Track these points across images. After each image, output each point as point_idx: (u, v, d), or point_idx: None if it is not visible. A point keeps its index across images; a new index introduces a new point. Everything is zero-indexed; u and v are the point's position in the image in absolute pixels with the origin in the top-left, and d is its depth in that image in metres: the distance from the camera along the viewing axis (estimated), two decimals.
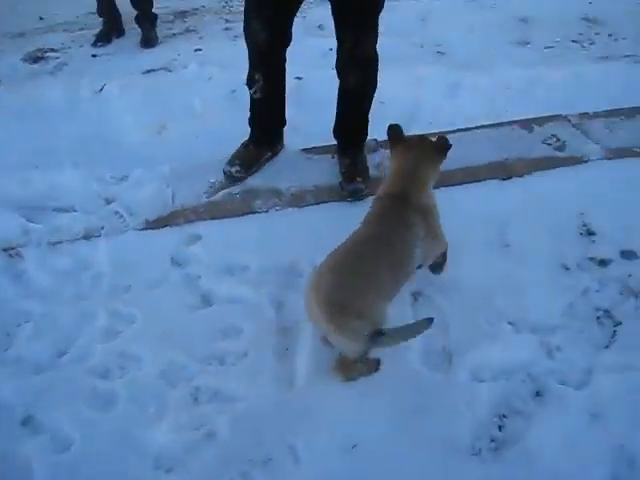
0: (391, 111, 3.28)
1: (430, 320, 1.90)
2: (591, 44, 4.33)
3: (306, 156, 2.97)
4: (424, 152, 2.19)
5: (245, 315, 2.26)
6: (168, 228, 2.61)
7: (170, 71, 3.93)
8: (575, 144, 2.96)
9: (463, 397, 2.01)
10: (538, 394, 2.03)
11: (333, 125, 2.83)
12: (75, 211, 2.72)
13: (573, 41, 4.37)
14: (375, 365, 2.08)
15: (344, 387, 2.03)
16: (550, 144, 2.95)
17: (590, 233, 2.57)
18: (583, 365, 2.11)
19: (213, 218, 2.64)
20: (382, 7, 2.46)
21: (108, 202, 2.75)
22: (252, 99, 2.80)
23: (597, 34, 4.47)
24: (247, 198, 2.72)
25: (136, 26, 4.42)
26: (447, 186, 2.66)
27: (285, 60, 2.69)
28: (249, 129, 2.92)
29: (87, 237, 2.58)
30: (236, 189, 2.78)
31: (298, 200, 2.71)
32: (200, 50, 4.19)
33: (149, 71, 3.95)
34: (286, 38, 2.58)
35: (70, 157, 3.01)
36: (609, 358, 2.13)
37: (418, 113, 3.33)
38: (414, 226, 2.07)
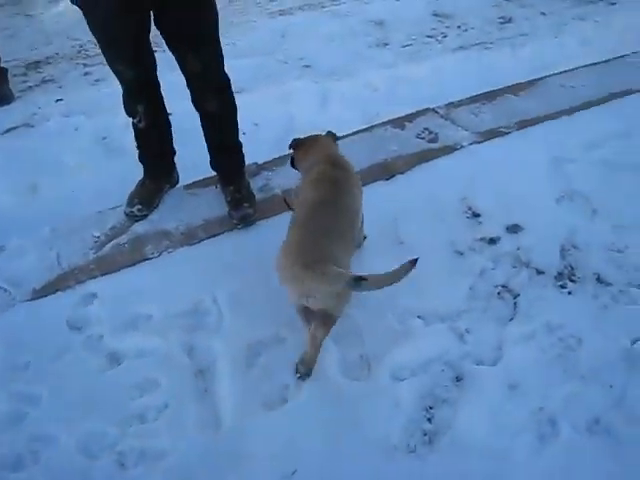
0: (266, 131, 3.33)
1: (414, 261, 1.89)
2: (444, 37, 4.58)
3: (189, 192, 2.91)
4: (324, 139, 2.47)
5: (158, 366, 2.18)
6: (59, 293, 2.46)
7: (32, 126, 3.73)
8: (446, 134, 3.11)
9: (388, 399, 2.05)
10: (458, 379, 2.11)
11: (210, 157, 2.80)
12: None
13: (428, 36, 4.60)
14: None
15: (272, 417, 2.01)
16: (423, 138, 3.08)
17: (475, 215, 2.71)
18: (493, 342, 2.22)
19: (105, 273, 2.52)
20: (217, 30, 2.42)
21: None
22: (138, 131, 2.72)
23: (448, 27, 4.74)
24: (136, 246, 2.63)
25: None
26: None
27: (159, 85, 2.64)
28: (141, 167, 2.86)
29: None
30: (123, 239, 2.67)
31: (189, 238, 2.65)
32: (61, 100, 4.01)
33: (9, 130, 3.73)
34: (152, 67, 2.53)
35: None
36: (515, 329, 2.25)
37: (292, 129, 3.35)
38: (354, 187, 2.22)
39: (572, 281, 2.42)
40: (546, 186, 2.84)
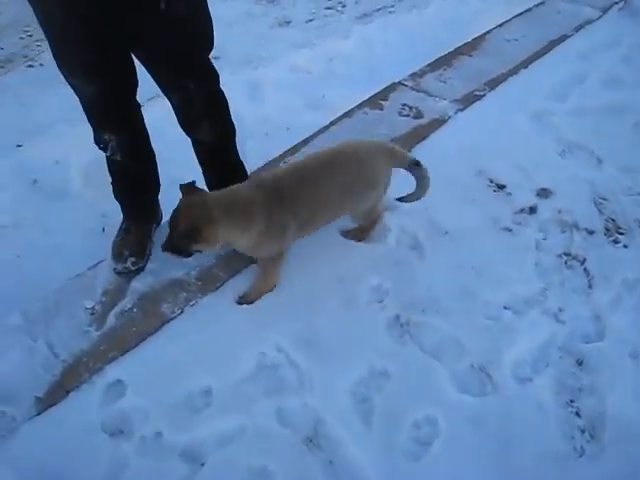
0: None
1: None
2: (344, 7, 4.32)
3: None
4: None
5: (255, 448, 1.76)
6: (73, 394, 1.88)
7: None
8: (428, 106, 2.89)
9: (528, 405, 1.85)
10: (579, 363, 1.96)
11: (206, 182, 2.31)
12: None
13: (327, 8, 4.31)
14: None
15: (423, 466, 1.71)
16: (408, 115, 2.84)
17: (501, 187, 2.55)
18: (588, 314, 2.10)
19: (124, 352, 1.98)
20: (208, 51, 1.95)
21: None
22: (112, 164, 2.14)
23: None
24: (148, 308, 2.09)
25: None
26: None
27: (138, 107, 2.08)
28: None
29: None
30: (127, 303, 2.11)
31: (208, 283, 2.17)
32: None
33: None
34: (129, 83, 1.95)
35: None
36: (600, 296, 2.16)
37: (242, 128, 2.90)
38: None
39: (621, 234, 2.37)
40: (543, 143, 2.78)
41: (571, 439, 1.78)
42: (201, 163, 2.23)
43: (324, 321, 2.05)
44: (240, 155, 2.44)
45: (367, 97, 2.97)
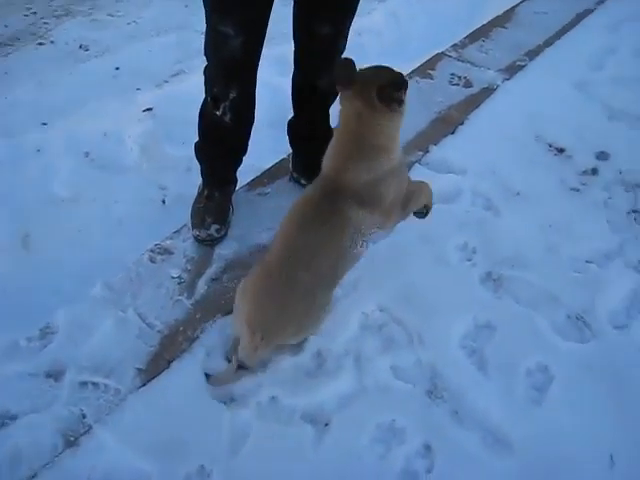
0: None
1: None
2: None
3: (256, 193, 2.32)
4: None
5: (378, 405, 1.73)
6: (176, 363, 1.80)
7: None
8: (475, 76, 2.91)
9: (629, 349, 1.88)
10: None
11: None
12: None
13: None
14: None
15: (553, 408, 1.72)
16: (458, 84, 2.84)
17: (560, 150, 2.59)
18: None
19: (221, 319, 1.91)
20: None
21: None
22: (213, 126, 2.07)
23: None
24: (239, 274, 2.00)
25: None
26: None
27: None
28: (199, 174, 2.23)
29: None
30: (215, 270, 2.04)
31: None
32: None
33: None
34: (263, 40, 1.92)
35: None
36: None
37: None
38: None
39: None
40: (591, 109, 2.82)
41: None
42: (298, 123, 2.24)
43: (419, 278, 2.04)
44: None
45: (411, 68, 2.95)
